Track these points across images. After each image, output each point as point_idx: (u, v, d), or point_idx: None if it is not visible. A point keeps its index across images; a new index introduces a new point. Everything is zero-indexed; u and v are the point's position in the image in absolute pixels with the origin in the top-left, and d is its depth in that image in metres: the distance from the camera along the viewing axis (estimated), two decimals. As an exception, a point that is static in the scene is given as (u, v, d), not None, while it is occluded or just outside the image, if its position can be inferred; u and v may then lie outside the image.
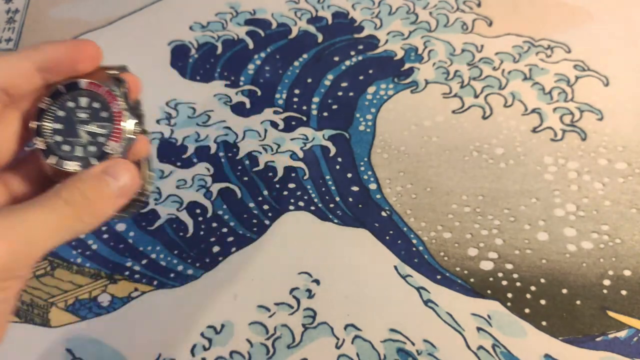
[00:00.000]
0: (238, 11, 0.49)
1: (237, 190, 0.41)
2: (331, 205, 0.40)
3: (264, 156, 0.42)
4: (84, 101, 0.23)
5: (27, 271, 0.20)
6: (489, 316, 0.36)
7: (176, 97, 0.45)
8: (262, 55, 0.46)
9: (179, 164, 0.42)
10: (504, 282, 0.37)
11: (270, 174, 0.42)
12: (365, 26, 0.47)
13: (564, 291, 0.36)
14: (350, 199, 0.40)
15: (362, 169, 0.41)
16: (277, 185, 0.41)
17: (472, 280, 0.37)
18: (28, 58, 0.22)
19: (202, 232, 0.40)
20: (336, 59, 0.46)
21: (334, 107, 0.44)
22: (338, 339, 0.36)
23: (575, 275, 0.36)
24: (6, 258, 0.19)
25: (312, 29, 0.47)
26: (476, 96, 0.43)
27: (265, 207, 0.40)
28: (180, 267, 0.39)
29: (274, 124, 0.43)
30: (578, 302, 0.36)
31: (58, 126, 0.22)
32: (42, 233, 0.20)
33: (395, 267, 0.38)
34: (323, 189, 0.41)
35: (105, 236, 0.40)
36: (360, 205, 0.40)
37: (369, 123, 0.43)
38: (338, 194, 0.40)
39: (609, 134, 0.41)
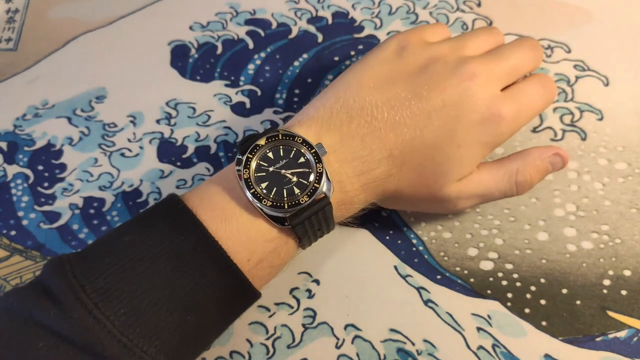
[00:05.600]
0: (238, 11, 0.49)
1: (237, 190, 0.41)
2: (331, 205, 0.40)
3: (264, 156, 0.42)
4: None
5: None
6: (489, 316, 0.36)
7: (176, 97, 0.45)
8: (262, 55, 0.46)
9: (179, 164, 0.42)
10: (504, 282, 0.37)
11: (270, 174, 0.41)
12: (365, 26, 0.47)
13: (564, 291, 0.36)
14: (350, 199, 0.40)
15: (362, 169, 0.41)
16: (277, 185, 0.41)
17: (472, 280, 0.37)
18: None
19: (202, 232, 0.40)
20: (336, 59, 0.46)
21: (334, 107, 0.44)
22: (338, 339, 0.36)
23: (575, 275, 0.36)
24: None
25: (312, 29, 0.47)
26: (476, 96, 0.43)
27: (265, 207, 0.40)
28: (180, 267, 0.38)
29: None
30: (578, 302, 0.36)
31: None
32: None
33: (395, 267, 0.38)
34: (323, 189, 0.41)
35: (105, 236, 0.40)
36: (360, 205, 0.40)
37: (369, 123, 0.43)
38: (338, 194, 0.40)
39: (609, 134, 0.41)
